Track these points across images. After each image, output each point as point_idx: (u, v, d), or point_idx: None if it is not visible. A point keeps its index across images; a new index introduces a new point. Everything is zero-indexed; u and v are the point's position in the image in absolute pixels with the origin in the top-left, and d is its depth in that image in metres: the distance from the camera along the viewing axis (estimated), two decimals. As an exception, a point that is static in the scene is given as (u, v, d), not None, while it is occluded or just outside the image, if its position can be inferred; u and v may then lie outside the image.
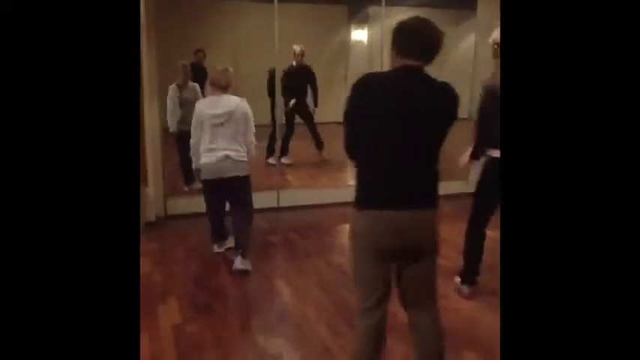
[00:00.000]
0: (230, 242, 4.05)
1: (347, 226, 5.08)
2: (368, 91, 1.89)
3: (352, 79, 7.07)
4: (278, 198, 5.26)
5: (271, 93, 6.20)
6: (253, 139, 3.74)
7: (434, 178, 1.95)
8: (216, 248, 4.05)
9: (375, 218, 1.91)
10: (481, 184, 3.27)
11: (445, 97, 1.91)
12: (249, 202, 3.81)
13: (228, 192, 3.74)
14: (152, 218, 4.71)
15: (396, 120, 1.85)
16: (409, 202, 1.89)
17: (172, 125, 5.03)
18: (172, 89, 5.06)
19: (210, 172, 3.64)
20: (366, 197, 1.94)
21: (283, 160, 6.30)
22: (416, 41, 1.87)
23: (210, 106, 3.62)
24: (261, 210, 5.10)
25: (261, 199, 5.27)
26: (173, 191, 5.14)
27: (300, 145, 6.80)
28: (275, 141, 6.04)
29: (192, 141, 3.70)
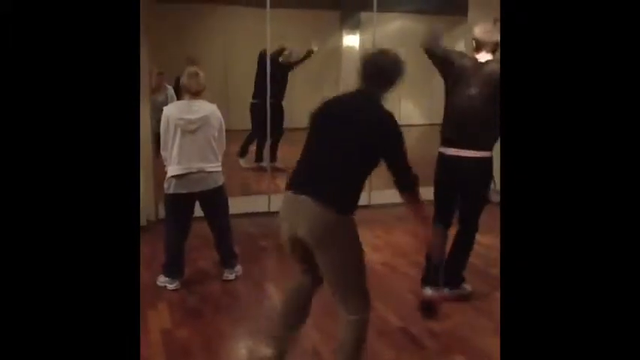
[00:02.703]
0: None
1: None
2: (325, 105, 2.29)
3: (344, 84, 7.12)
4: (269, 202, 5.26)
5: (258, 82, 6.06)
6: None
7: (349, 190, 2.17)
8: (166, 284, 3.48)
9: (285, 198, 2.22)
10: (436, 183, 3.24)
11: (381, 125, 2.20)
12: (226, 212, 3.58)
13: (204, 206, 3.49)
14: (143, 222, 4.66)
15: (331, 129, 2.20)
16: (313, 192, 2.10)
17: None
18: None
19: (180, 185, 3.33)
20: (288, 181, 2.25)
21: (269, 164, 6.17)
22: (373, 72, 2.25)
23: (180, 111, 3.33)
24: (252, 214, 5.10)
25: (252, 203, 5.28)
26: (162, 195, 5.04)
27: (291, 150, 6.78)
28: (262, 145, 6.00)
29: (162, 151, 3.41)
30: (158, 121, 3.59)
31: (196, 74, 3.41)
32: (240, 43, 8.52)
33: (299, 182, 2.19)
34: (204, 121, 3.33)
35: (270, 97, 5.61)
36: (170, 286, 3.47)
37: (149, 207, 4.81)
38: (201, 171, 3.32)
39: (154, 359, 2.64)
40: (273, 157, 6.36)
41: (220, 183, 3.45)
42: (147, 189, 4.75)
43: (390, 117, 2.21)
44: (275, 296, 3.42)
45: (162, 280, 3.51)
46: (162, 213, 4.87)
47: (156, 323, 3.00)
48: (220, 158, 3.47)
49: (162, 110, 3.44)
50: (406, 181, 2.27)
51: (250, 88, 6.27)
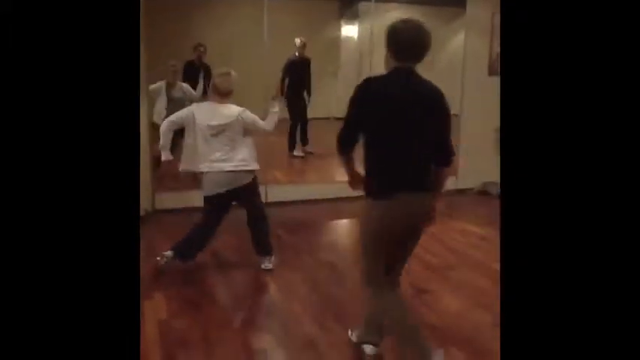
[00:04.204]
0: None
1: (336, 223, 5.10)
2: (371, 92, 2.13)
3: (343, 75, 7.12)
4: (266, 193, 5.25)
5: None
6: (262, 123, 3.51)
7: (428, 169, 2.22)
8: (166, 258, 3.50)
9: (388, 203, 2.16)
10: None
11: (434, 92, 2.17)
12: (259, 205, 3.65)
13: (237, 201, 3.57)
14: (141, 213, 4.64)
15: (397, 115, 2.11)
16: (414, 184, 2.17)
17: (159, 121, 5.00)
18: (161, 87, 5.10)
19: (216, 184, 3.43)
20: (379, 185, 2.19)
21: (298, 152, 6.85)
22: (407, 46, 2.12)
23: (206, 115, 3.40)
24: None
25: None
26: (160, 186, 5.06)
27: (284, 141, 6.80)
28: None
29: (187, 140, 3.45)
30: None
31: (228, 74, 3.42)
32: (237, 35, 8.49)
33: (397, 181, 2.15)
34: (227, 126, 3.37)
35: (298, 90, 6.56)
36: (164, 260, 3.47)
37: (146, 198, 4.81)
38: (230, 172, 3.40)
39: (150, 349, 2.63)
40: (306, 141, 6.88)
41: (248, 180, 3.49)
42: (144, 179, 4.71)
43: (439, 90, 2.17)
44: (271, 287, 3.43)
45: (167, 254, 3.49)
46: (158, 204, 4.93)
47: (152, 315, 3.00)
48: (249, 156, 3.48)
49: (180, 105, 3.56)
50: (449, 155, 2.27)
51: (250, 79, 6.29)
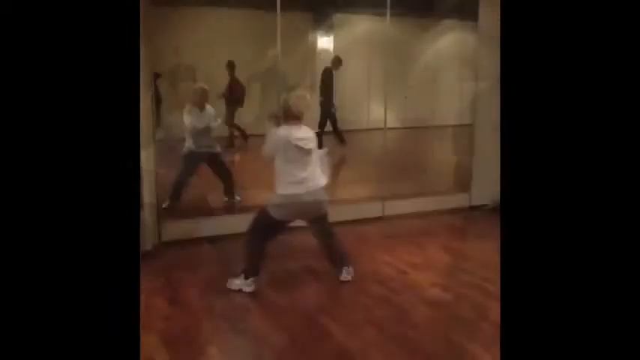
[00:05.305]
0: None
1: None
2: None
3: (318, 86, 6.85)
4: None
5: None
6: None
7: None
8: (243, 286, 3.45)
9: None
10: None
11: None
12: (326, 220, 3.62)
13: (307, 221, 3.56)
14: (148, 247, 4.11)
15: None
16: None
17: (189, 145, 4.96)
18: (194, 111, 4.99)
19: (311, 205, 3.36)
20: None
21: None
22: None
23: (298, 136, 3.31)
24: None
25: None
26: (167, 214, 4.61)
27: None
28: None
29: (280, 164, 3.34)
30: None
31: (304, 97, 3.40)
32: (210, 45, 8.44)
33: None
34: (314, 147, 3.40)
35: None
36: (247, 289, 3.41)
37: (151, 229, 4.29)
38: (316, 189, 3.42)
39: None
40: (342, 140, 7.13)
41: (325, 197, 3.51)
42: (149, 208, 4.25)
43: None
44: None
45: (237, 283, 3.44)
46: (165, 236, 4.39)
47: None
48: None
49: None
50: None
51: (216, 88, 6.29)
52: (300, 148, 3.29)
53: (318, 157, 3.43)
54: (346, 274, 3.58)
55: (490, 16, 4.97)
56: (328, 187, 3.45)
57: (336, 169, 6.49)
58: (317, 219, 3.52)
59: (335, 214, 5.09)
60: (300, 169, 3.32)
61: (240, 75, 6.23)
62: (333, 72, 7.20)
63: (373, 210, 5.04)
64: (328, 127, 7.12)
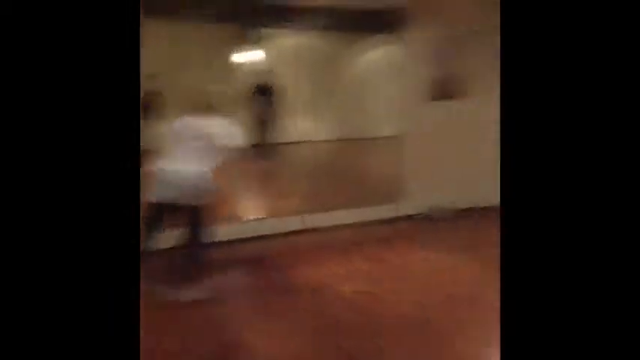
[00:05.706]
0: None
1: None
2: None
3: (246, 98, 6.69)
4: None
5: None
6: None
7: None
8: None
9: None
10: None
11: None
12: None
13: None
14: None
15: None
16: None
17: None
18: None
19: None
20: None
21: None
22: None
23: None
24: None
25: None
26: None
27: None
28: None
29: None
30: None
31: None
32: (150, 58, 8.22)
33: None
34: None
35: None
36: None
37: None
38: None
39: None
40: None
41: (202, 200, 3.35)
42: None
43: None
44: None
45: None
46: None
47: None
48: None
49: None
50: None
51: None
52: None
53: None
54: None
55: (416, 32, 5.03)
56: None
57: (263, 182, 6.42)
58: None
59: (261, 228, 4.92)
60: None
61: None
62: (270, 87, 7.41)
63: (296, 223, 4.96)
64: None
